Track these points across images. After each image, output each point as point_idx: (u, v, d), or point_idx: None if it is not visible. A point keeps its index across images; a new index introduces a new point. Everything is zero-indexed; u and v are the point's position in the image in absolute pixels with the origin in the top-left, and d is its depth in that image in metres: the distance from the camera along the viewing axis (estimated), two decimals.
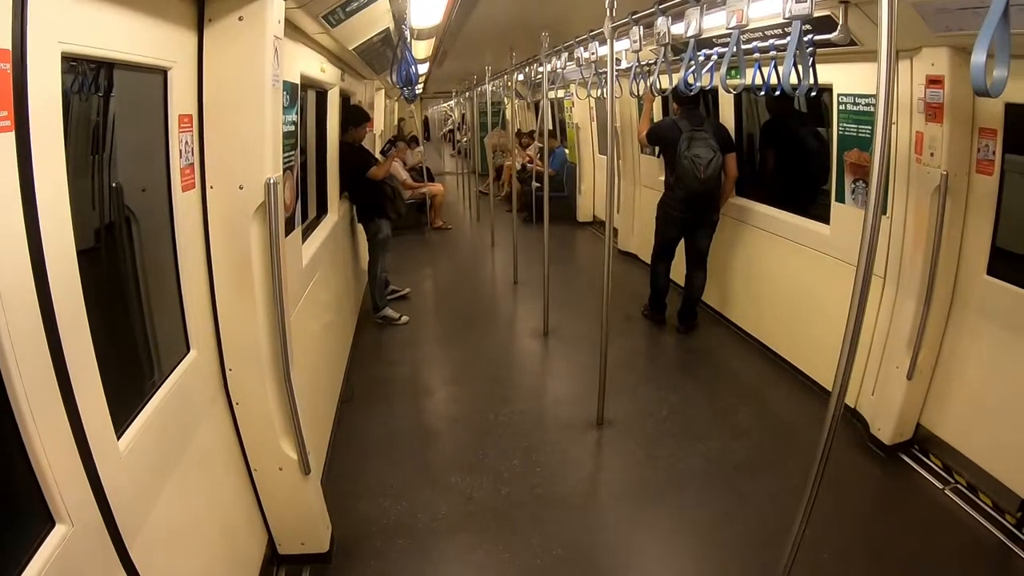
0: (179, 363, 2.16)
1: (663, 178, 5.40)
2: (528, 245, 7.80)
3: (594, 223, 9.91)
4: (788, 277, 4.65)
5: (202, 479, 2.23)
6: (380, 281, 5.90)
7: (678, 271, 5.45)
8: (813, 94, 2.90)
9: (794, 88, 2.81)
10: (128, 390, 1.87)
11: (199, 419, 2.24)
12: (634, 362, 4.92)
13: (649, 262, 5.68)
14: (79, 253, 1.50)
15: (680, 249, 5.33)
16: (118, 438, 1.63)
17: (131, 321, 2.13)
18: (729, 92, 4.20)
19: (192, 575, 2.06)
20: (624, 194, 7.80)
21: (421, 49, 6.12)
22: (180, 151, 2.09)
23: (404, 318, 5.95)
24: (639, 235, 7.54)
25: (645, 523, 3.11)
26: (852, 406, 3.82)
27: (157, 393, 1.96)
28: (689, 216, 5.04)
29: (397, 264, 6.71)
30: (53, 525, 1.32)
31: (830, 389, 1.95)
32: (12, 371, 1.20)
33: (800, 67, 2.70)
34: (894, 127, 3.28)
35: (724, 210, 5.15)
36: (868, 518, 3.10)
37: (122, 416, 1.71)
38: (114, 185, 2.03)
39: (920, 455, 3.51)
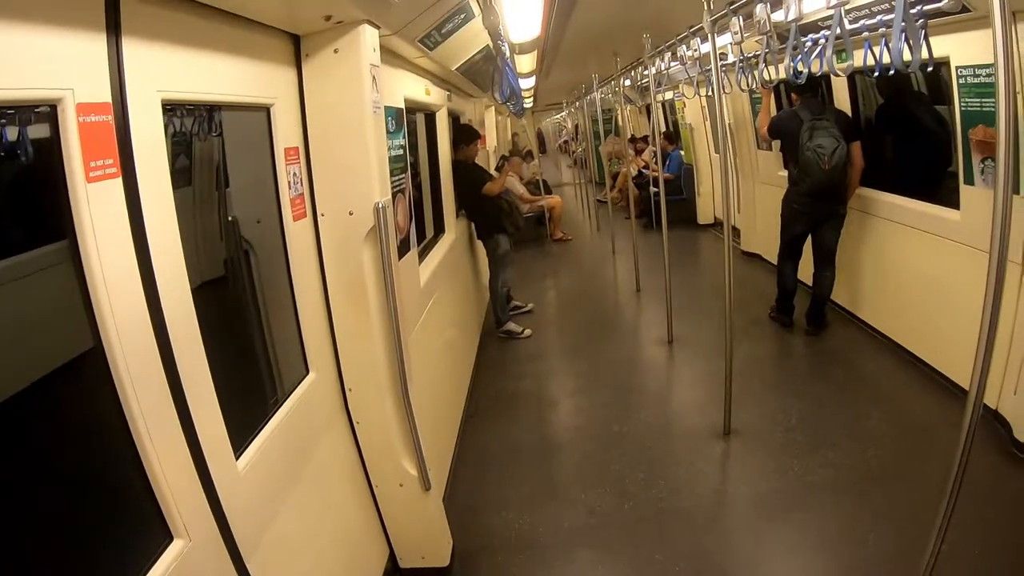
0: (298, 384, 2.25)
1: (783, 173, 5.12)
2: (649, 251, 7.63)
3: (715, 225, 9.55)
4: (918, 269, 4.27)
5: (322, 495, 2.31)
6: (502, 296, 5.95)
7: (805, 270, 5.15)
8: (929, 69, 2.67)
9: (907, 65, 2.59)
10: (249, 412, 1.96)
11: (319, 437, 2.32)
12: (761, 367, 4.69)
13: (775, 262, 5.42)
14: (201, 283, 1.59)
15: (807, 247, 5.04)
16: (237, 458, 1.71)
17: (251, 346, 2.25)
18: (838, 76, 3.93)
19: None
20: (743, 192, 7.49)
21: (525, 63, 6.15)
22: (289, 182, 2.19)
23: (527, 331, 5.96)
24: (762, 234, 7.20)
25: (773, 539, 2.92)
26: (993, 408, 3.44)
27: (276, 414, 2.05)
28: (815, 210, 4.76)
29: (519, 278, 6.73)
30: (171, 540, 1.40)
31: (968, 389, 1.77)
32: (130, 399, 1.30)
33: (911, 41, 2.49)
34: (1020, 96, 2.94)
35: (850, 202, 4.84)
36: (1012, 530, 2.76)
37: (242, 436, 1.80)
38: (230, 219, 2.16)
39: None
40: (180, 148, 1.76)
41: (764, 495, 3.22)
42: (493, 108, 9.12)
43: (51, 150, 1.20)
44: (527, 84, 8.60)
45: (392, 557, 2.82)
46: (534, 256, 9.24)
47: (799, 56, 3.11)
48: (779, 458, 3.49)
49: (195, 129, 1.91)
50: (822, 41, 3.49)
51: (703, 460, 3.60)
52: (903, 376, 4.27)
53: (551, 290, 7.82)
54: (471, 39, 3.62)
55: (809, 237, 4.97)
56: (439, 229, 5.07)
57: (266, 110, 2.08)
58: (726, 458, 3.63)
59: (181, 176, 1.69)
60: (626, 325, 6.30)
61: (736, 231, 7.78)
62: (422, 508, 2.69)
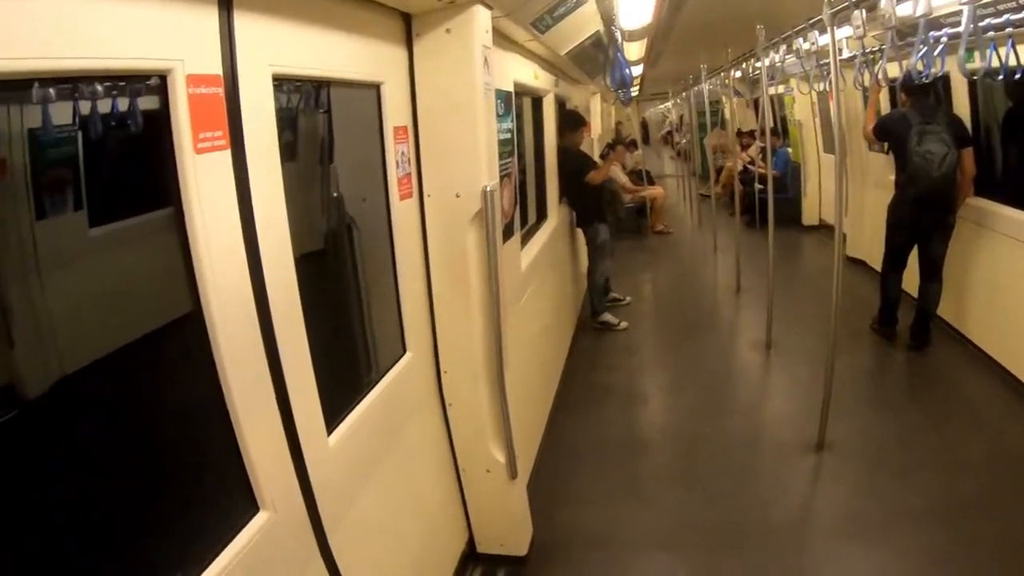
0: (395, 364, 2.26)
1: (894, 177, 4.81)
2: (751, 250, 7.33)
3: (820, 227, 9.09)
4: None
5: (408, 475, 2.32)
6: (599, 286, 5.87)
7: (911, 281, 4.83)
8: None
9: None
10: (344, 388, 1.98)
11: (411, 418, 2.33)
12: (859, 381, 4.43)
13: (879, 270, 5.12)
14: (303, 257, 1.60)
15: (913, 257, 4.74)
16: (329, 434, 1.73)
17: (351, 323, 2.27)
18: (968, 78, 3.57)
19: (388, 566, 2.14)
20: (852, 195, 7.07)
21: (634, 50, 6.01)
22: (397, 162, 2.19)
23: (623, 323, 5.85)
24: (868, 240, 6.77)
25: (860, 564, 2.75)
26: None
27: (371, 392, 2.06)
28: (922, 219, 4.48)
29: (617, 269, 6.62)
30: (257, 511, 1.42)
31: None
32: (227, 368, 1.32)
33: None
34: None
35: (961, 212, 4.50)
36: None
37: (335, 412, 1.81)
38: (335, 195, 2.18)
39: None
40: (287, 123, 1.78)
41: (853, 515, 3.04)
42: (599, 95, 8.98)
43: (160, 120, 1.22)
44: (634, 72, 8.43)
45: (471, 541, 2.82)
46: (633, 248, 9.06)
47: (923, 53, 2.87)
48: (872, 478, 3.31)
49: (302, 104, 1.93)
50: (944, 39, 3.23)
51: (793, 472, 3.45)
52: (1008, 403, 3.96)
53: (648, 283, 7.67)
54: (582, 24, 3.54)
55: (916, 247, 4.68)
56: (541, 215, 5.03)
57: (376, 88, 2.08)
58: (817, 473, 3.47)
59: (287, 150, 1.70)
60: (723, 325, 6.12)
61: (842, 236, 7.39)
62: (506, 495, 2.68)
